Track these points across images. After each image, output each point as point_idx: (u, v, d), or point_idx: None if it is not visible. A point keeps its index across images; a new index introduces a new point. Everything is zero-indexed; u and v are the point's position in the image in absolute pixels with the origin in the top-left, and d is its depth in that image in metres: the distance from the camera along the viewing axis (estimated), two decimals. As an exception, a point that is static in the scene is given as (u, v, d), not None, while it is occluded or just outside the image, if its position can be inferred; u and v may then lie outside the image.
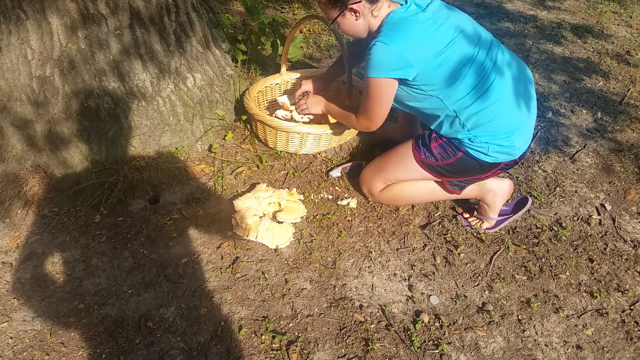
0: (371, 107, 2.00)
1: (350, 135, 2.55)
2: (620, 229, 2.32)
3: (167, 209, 2.24)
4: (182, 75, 2.40)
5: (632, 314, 1.96)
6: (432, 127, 2.06)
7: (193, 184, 2.35)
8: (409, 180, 2.20)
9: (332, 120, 2.35)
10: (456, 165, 2.03)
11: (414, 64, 1.82)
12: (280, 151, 2.52)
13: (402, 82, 1.91)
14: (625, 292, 2.03)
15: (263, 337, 1.81)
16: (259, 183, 2.35)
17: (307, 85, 2.56)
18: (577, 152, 2.77)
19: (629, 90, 3.33)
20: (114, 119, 2.25)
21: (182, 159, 2.42)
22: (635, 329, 1.91)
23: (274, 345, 1.79)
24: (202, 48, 2.48)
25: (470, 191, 2.20)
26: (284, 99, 2.62)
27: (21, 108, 2.13)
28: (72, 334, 1.80)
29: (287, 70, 2.71)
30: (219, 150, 2.52)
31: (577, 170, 2.65)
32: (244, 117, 2.62)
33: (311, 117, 2.60)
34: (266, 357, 1.76)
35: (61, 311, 1.86)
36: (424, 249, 2.17)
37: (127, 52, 2.19)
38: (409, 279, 2.05)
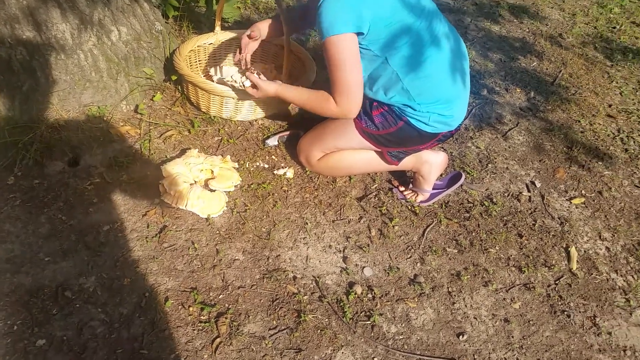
0: (341, 75, 1.81)
1: (288, 103, 2.46)
2: (548, 206, 2.39)
3: (88, 173, 2.09)
4: (106, 28, 2.22)
5: (557, 289, 2.02)
6: (375, 93, 2.01)
7: (117, 147, 2.20)
8: (347, 150, 2.16)
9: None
10: (396, 134, 2.00)
11: (366, 17, 1.76)
12: (214, 116, 2.40)
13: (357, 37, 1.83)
14: (552, 267, 2.09)
15: (191, 308, 1.73)
16: (190, 148, 2.23)
17: (248, 46, 2.31)
18: (509, 129, 2.82)
19: (560, 71, 3.42)
20: (29, 72, 2.05)
21: (105, 119, 2.25)
22: (559, 303, 1.97)
23: (202, 317, 1.72)
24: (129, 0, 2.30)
25: (407, 162, 2.19)
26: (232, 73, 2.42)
27: None
28: (-22, 305, 1.65)
29: (221, 30, 2.57)
30: (147, 111, 2.36)
31: (509, 147, 2.70)
32: (174, 78, 2.47)
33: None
34: (194, 329, 1.68)
35: (-34, 280, 1.70)
36: (359, 221, 2.14)
37: (44, -1, 1.99)
38: (343, 251, 2.02)
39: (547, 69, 3.45)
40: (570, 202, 2.42)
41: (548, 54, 3.63)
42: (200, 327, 1.69)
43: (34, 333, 1.61)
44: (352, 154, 2.17)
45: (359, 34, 1.79)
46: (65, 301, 1.69)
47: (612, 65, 3.62)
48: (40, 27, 2.01)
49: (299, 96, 2.02)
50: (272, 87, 2.02)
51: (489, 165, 2.55)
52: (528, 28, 3.95)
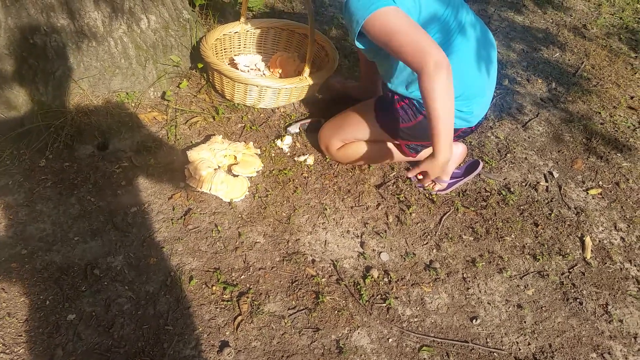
0: (405, 39, 1.61)
1: (310, 91, 2.51)
2: (565, 196, 2.41)
3: (116, 156, 2.17)
4: (136, 16, 2.29)
5: (570, 277, 2.05)
6: (396, 87, 2.01)
7: (144, 132, 2.27)
8: (366, 140, 2.20)
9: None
10: (415, 128, 2.03)
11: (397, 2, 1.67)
12: (238, 104, 2.47)
13: None
14: (566, 255, 2.12)
15: (214, 288, 1.80)
16: (214, 135, 2.30)
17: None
18: (529, 120, 2.83)
19: (582, 62, 3.41)
20: (62, 58, 2.13)
21: (133, 105, 2.33)
22: (572, 291, 2.00)
23: (224, 296, 1.79)
24: (158, -12, 2.37)
25: (425, 154, 2.21)
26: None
27: (-41, 40, 1.99)
28: (14, 280, 1.74)
29: (246, 19, 2.62)
30: (173, 98, 2.43)
31: (529, 137, 2.72)
32: (200, 65, 2.53)
33: (280, 71, 2.55)
34: (216, 307, 1.76)
35: (2, 256, 1.79)
36: (377, 208, 2.19)
37: (78, -12, 2.06)
38: (361, 236, 2.07)
39: (569, 60, 3.44)
40: (587, 193, 2.44)
41: (571, 44, 3.61)
42: (223, 306, 1.76)
43: (65, 308, 1.70)
44: (370, 144, 2.21)
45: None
46: (94, 279, 1.78)
47: (636, 56, 3.58)
48: (73, 15, 2.09)
49: (440, 130, 1.68)
50: (443, 160, 1.74)
51: (508, 155, 2.57)
52: (552, 19, 3.92)
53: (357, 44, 1.82)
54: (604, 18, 4.04)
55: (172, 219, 1.99)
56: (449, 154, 1.73)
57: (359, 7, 1.66)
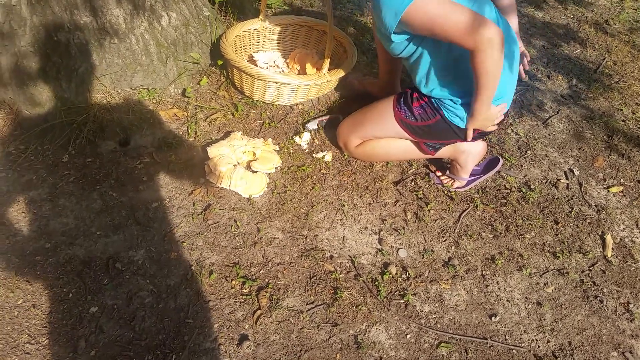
0: (451, 20, 1.59)
1: (328, 88, 2.52)
2: (585, 193, 2.38)
3: (138, 152, 2.20)
4: (157, 13, 2.31)
5: (590, 275, 2.03)
6: (419, 84, 1.99)
7: (165, 128, 2.30)
8: (385, 138, 2.20)
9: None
10: (433, 127, 2.03)
11: None
12: (257, 100, 2.48)
13: None
14: (586, 253, 2.10)
15: (233, 282, 1.82)
16: (233, 131, 2.32)
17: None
18: (550, 117, 2.80)
19: (604, 59, 3.36)
20: (85, 55, 2.16)
21: (155, 101, 2.36)
22: (592, 289, 1.99)
23: (244, 290, 1.81)
24: (178, -14, 2.39)
25: (444, 152, 2.20)
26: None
27: (-16, 38, 2.03)
28: (38, 273, 1.77)
29: (266, 16, 2.64)
30: (193, 95, 2.46)
31: (549, 134, 2.69)
32: (219, 62, 2.55)
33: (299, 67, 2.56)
34: (236, 301, 1.78)
35: (27, 250, 1.83)
36: (395, 205, 2.19)
37: (100, -14, 2.09)
38: (379, 233, 2.08)
39: (590, 56, 3.40)
40: (608, 191, 2.41)
41: (592, 40, 3.57)
42: (242, 300, 1.78)
43: (87, 301, 1.73)
44: (389, 142, 2.21)
45: None
46: (115, 272, 1.81)
47: (659, 52, 3.53)
48: (96, 13, 2.12)
49: (485, 92, 1.78)
50: (482, 115, 1.88)
51: (528, 152, 2.56)
52: (573, 14, 3.88)
53: (394, 37, 1.79)
54: (627, 13, 3.98)
55: (192, 214, 2.02)
56: (487, 113, 1.87)
57: (392, 1, 1.63)
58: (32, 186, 2.02)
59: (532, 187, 2.36)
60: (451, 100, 1.94)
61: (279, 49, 2.80)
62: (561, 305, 1.92)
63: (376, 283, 1.89)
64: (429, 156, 2.24)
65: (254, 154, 2.20)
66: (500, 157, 2.34)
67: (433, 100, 1.99)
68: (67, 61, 2.15)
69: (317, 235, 2.03)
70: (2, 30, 2.01)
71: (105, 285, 1.77)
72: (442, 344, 1.75)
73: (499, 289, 1.94)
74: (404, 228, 2.10)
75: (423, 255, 2.02)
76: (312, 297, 1.82)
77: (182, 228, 1.97)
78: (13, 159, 2.10)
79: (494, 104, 1.92)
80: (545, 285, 1.97)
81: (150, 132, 2.27)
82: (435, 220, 2.16)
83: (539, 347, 1.79)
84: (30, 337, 1.62)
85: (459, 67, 1.86)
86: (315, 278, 1.88)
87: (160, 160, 2.18)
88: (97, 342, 1.63)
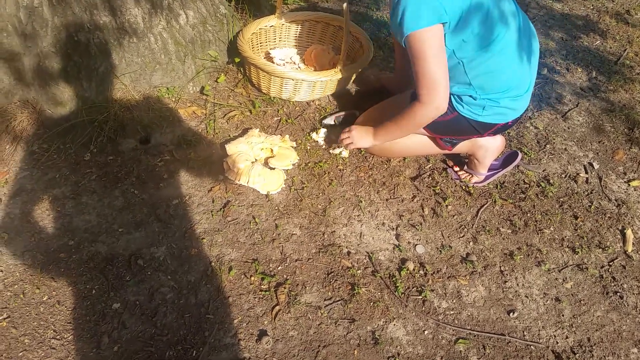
0: (428, 68, 1.72)
1: (344, 84, 2.52)
2: (605, 188, 2.36)
3: (158, 150, 2.23)
4: (175, 12, 2.34)
5: (610, 270, 2.02)
6: None
7: (184, 126, 2.33)
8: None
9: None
10: (450, 123, 2.02)
11: (446, 3, 1.67)
12: (274, 97, 2.50)
13: None
14: (606, 248, 2.09)
15: (252, 278, 1.85)
16: (251, 128, 2.34)
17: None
18: (569, 110, 2.77)
19: (625, 50, 3.31)
20: (105, 54, 2.19)
21: (174, 99, 2.39)
22: (612, 284, 1.97)
23: (262, 286, 1.83)
24: (195, -16, 2.41)
25: (462, 147, 2.20)
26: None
27: (7, 39, 2.06)
28: (63, 270, 1.82)
29: (282, 13, 2.65)
30: (211, 92, 2.48)
31: (568, 128, 2.67)
32: (237, 60, 2.57)
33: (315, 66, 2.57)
34: (255, 297, 1.80)
35: (51, 247, 1.88)
36: (412, 200, 2.20)
37: (119, -14, 2.12)
38: (396, 229, 2.08)
39: (610, 47, 3.35)
40: (629, 185, 2.38)
41: (612, 32, 3.51)
42: (261, 296, 1.81)
43: (110, 297, 1.77)
44: (406, 137, 2.19)
45: (443, 24, 1.71)
46: (137, 269, 1.84)
47: (682, 43, 3.46)
48: (115, 12, 2.15)
49: (390, 131, 2.02)
50: (368, 141, 2.11)
51: (547, 146, 2.54)
52: (592, 5, 3.82)
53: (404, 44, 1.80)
54: (649, 3, 3.91)
55: (211, 211, 2.04)
56: (371, 145, 2.12)
57: (408, 15, 1.67)
58: (55, 184, 2.07)
59: (551, 181, 2.35)
60: (470, 96, 1.93)
61: (295, 46, 2.81)
62: (580, 301, 1.91)
63: (394, 279, 1.90)
64: (446, 151, 2.24)
65: (272, 150, 2.22)
66: (519, 151, 2.32)
67: (452, 96, 1.98)
68: (87, 61, 2.19)
69: (334, 231, 2.04)
70: (25, 32, 2.05)
71: (128, 282, 1.81)
72: (460, 340, 1.75)
73: (518, 284, 1.94)
74: (421, 224, 2.11)
75: (441, 251, 2.02)
76: (329, 293, 1.84)
77: (202, 225, 2.00)
78: (37, 158, 2.14)
79: (503, 94, 1.91)
80: (564, 280, 1.97)
81: (170, 130, 2.30)
82: (453, 216, 2.15)
83: (557, 343, 1.78)
84: (56, 332, 1.67)
85: (478, 66, 1.84)
86: (332, 274, 1.90)
87: (180, 157, 2.21)
88: (120, 337, 1.67)
